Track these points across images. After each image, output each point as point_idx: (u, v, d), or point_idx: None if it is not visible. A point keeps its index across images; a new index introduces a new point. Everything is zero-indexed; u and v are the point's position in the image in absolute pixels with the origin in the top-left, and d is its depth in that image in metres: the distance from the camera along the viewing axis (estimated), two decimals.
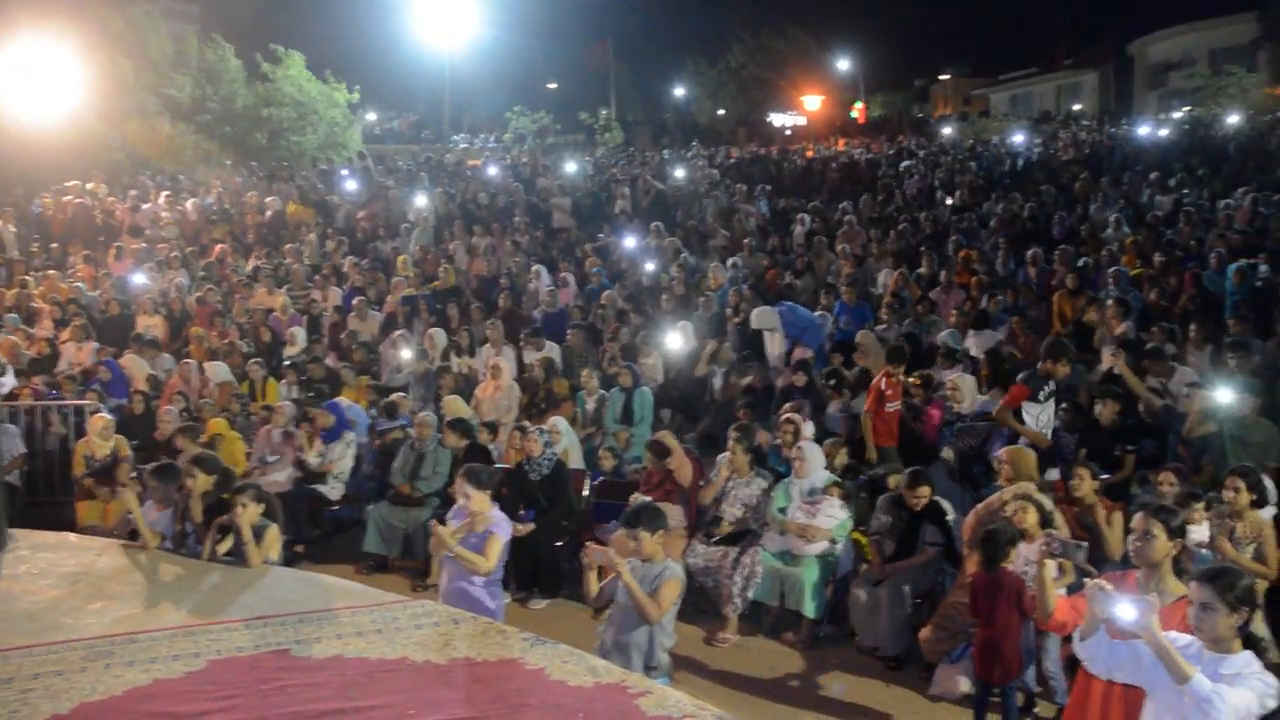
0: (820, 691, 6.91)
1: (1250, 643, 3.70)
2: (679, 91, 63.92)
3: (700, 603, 8.11)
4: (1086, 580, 3.81)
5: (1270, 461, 7.73)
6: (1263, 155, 21.30)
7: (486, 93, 51.02)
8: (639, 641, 5.29)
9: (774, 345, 11.93)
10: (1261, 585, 5.91)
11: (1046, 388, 8.28)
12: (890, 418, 9.16)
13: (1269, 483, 6.77)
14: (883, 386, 9.11)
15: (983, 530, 6.29)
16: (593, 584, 5.48)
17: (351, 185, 23.68)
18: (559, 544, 8.69)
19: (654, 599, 5.21)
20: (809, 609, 7.46)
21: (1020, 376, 8.52)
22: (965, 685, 6.65)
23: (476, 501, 6.03)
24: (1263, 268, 11.89)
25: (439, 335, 12.90)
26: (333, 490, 9.99)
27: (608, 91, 51.15)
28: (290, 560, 9.00)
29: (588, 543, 5.54)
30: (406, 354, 12.39)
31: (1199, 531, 6.02)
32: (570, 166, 26.56)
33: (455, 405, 10.50)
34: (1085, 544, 4.61)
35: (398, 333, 13.03)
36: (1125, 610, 3.52)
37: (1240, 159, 21.18)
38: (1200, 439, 8.32)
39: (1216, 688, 3.45)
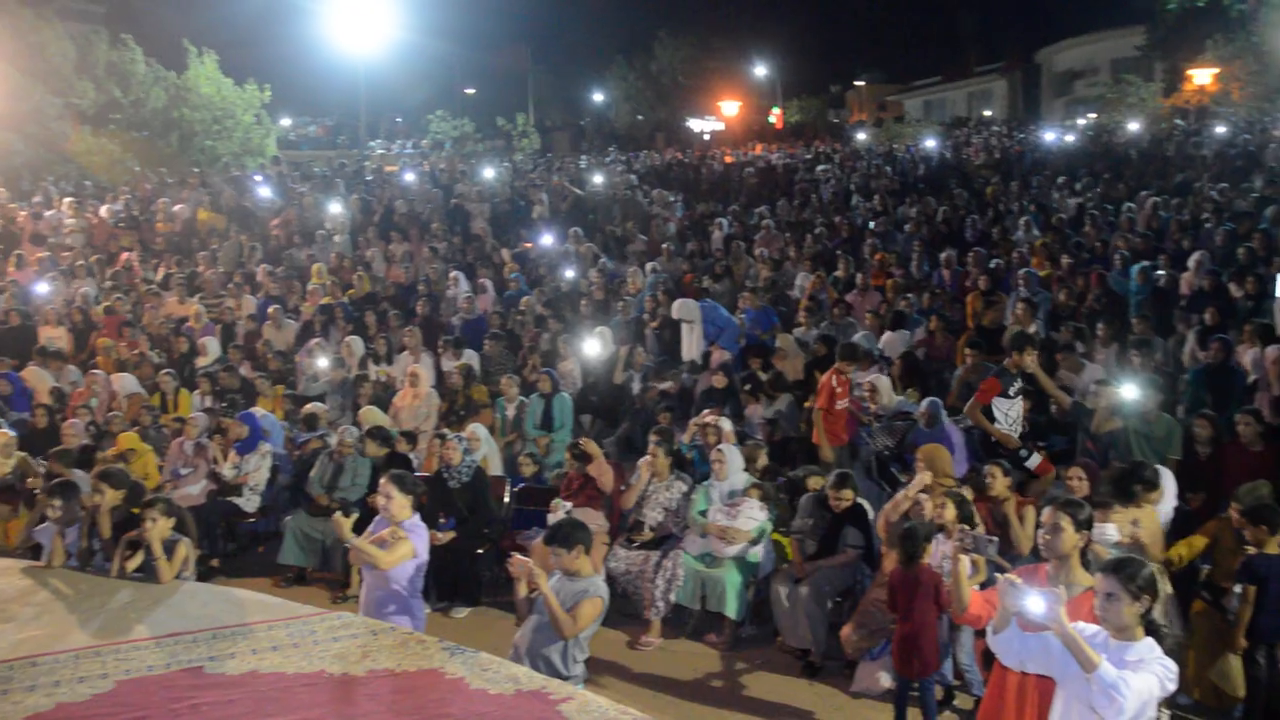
0: (744, 692, 6.95)
1: (1151, 629, 3.82)
2: (598, 97, 64.03)
3: (623, 607, 8.10)
4: (998, 575, 3.89)
5: (1172, 454, 8.01)
6: (1161, 161, 22.00)
7: (403, 98, 50.60)
8: (552, 654, 5.28)
9: (691, 341, 11.96)
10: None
11: (1016, 383, 8.33)
12: (839, 416, 9.08)
13: (1168, 476, 7.01)
14: (834, 384, 9.02)
15: (901, 527, 6.39)
16: (521, 593, 5.45)
17: (265, 192, 23.28)
18: (480, 552, 8.63)
19: (572, 615, 5.19)
20: (731, 610, 7.50)
21: (993, 370, 8.58)
22: (886, 681, 6.75)
23: (397, 505, 5.95)
24: (1160, 271, 12.28)
25: (356, 343, 12.74)
26: (248, 502, 9.79)
27: (526, 97, 51.07)
28: (205, 575, 8.79)
29: (513, 554, 5.50)
30: (323, 363, 12.21)
31: (1110, 529, 6.16)
32: (488, 173, 26.42)
33: (372, 414, 10.36)
34: (996, 539, 4.70)
35: (314, 341, 12.85)
36: (1034, 603, 3.60)
37: (1141, 164, 21.84)
38: (1107, 434, 8.57)
39: (1121, 674, 3.56)
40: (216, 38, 31.76)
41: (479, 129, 45.78)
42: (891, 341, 11.28)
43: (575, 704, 4.36)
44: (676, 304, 12.18)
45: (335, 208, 20.17)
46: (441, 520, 8.29)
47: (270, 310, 14.30)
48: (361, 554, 5.87)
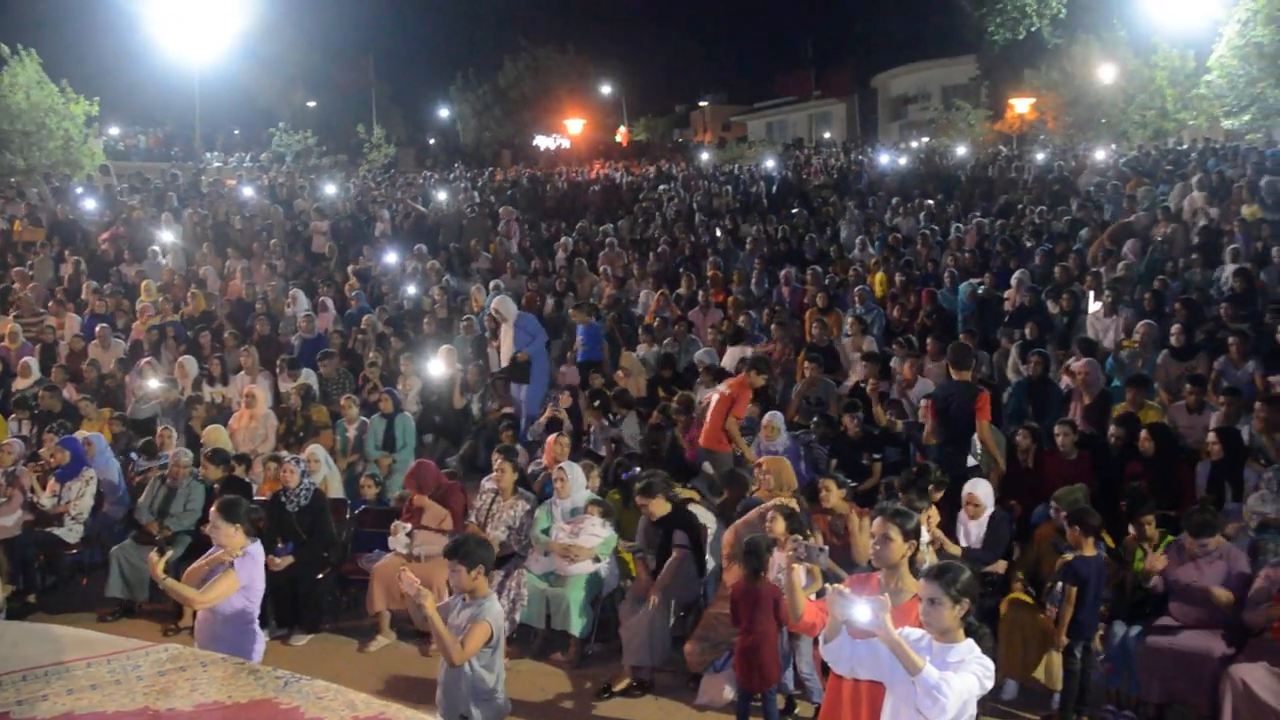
0: (591, 710, 6.96)
1: (971, 631, 4.00)
2: (444, 113, 63.41)
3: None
4: (828, 585, 4.01)
5: (999, 467, 8.38)
6: (987, 184, 23.10)
7: (242, 109, 49.02)
8: (462, 688, 5.16)
9: (506, 339, 11.92)
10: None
11: None
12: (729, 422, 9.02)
13: (984, 485, 7.38)
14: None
15: (743, 543, 6.51)
16: (417, 613, 5.29)
17: (91, 204, 22.19)
18: (320, 577, 8.42)
19: (459, 641, 5.07)
20: (576, 628, 7.51)
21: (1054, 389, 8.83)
22: (730, 693, 6.86)
23: (226, 534, 5.74)
24: (982, 287, 12.88)
25: (190, 363, 12.29)
26: (70, 532, 9.29)
27: (370, 110, 50.15)
28: (19, 612, 8.36)
29: (403, 571, 5.36)
30: (154, 383, 11.71)
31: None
32: (330, 188, 25.83)
33: (216, 435, 9.96)
34: (826, 548, 4.83)
35: (144, 361, 12.29)
36: (861, 611, 3.72)
37: (969, 187, 22.87)
38: (937, 447, 8.92)
39: (944, 675, 3.71)
40: (38, 42, 29.88)
41: (321, 142, 44.61)
42: (733, 356, 11.49)
43: None
44: (496, 299, 12.17)
45: (168, 222, 19.36)
46: (279, 545, 8.06)
47: (98, 329, 13.64)
48: (175, 594, 5.64)
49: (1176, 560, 6.60)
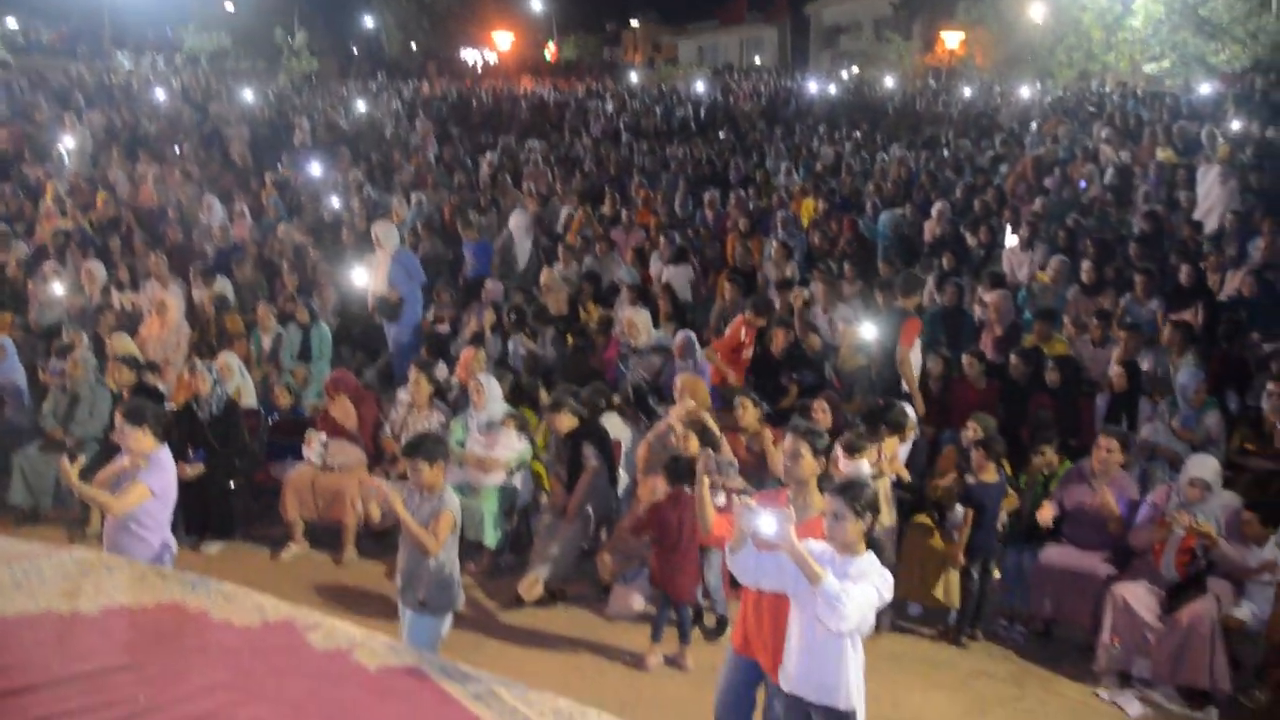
0: (500, 619, 7.05)
1: (872, 544, 4.14)
2: (368, 22, 61.54)
3: (382, 539, 8.07)
4: (735, 497, 4.09)
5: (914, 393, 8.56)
6: (914, 116, 23.27)
7: (154, 8, 46.87)
8: (424, 574, 5.29)
9: (380, 269, 11.11)
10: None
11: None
12: (743, 365, 9.17)
13: (910, 409, 7.54)
14: (741, 336, 9.09)
15: (667, 456, 6.58)
16: (375, 514, 5.53)
17: None
18: (232, 485, 8.35)
19: (431, 533, 5.19)
20: (490, 539, 7.58)
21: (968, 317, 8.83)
22: (639, 604, 7.02)
23: (134, 439, 5.65)
24: (906, 215, 13.05)
25: (97, 269, 11.89)
26: None
27: (291, 16, 48.41)
28: None
29: (364, 475, 5.41)
30: (59, 289, 11.35)
31: (863, 466, 6.55)
32: (247, 94, 25.00)
33: (122, 343, 9.70)
34: (735, 462, 4.93)
35: (48, 265, 11.90)
36: (766, 523, 3.82)
37: (896, 119, 23.01)
38: (851, 371, 9.09)
39: (844, 586, 3.83)
40: None
41: (237, 47, 43.02)
42: (672, 275, 11.49)
43: (322, 631, 4.29)
44: (378, 225, 11.47)
45: (74, 123, 18.61)
46: (191, 453, 7.95)
47: None
48: (90, 500, 5.61)
49: (1073, 483, 6.87)
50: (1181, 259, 10.44)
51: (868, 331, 8.73)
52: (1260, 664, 6.20)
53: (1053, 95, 26.09)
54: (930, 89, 30.05)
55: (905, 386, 8.37)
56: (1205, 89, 22.36)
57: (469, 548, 7.72)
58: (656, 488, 6.64)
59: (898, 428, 7.21)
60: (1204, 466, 6.42)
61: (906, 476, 7.18)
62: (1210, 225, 12.47)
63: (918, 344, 8.53)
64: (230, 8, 51.78)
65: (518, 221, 13.00)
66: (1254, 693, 6.08)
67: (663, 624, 6.44)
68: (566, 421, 7.44)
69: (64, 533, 8.28)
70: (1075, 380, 8.39)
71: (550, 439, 7.74)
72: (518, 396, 8.54)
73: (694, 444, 6.44)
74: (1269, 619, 6.12)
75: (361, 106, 23.26)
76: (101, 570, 4.95)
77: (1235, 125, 16.34)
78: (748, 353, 9.21)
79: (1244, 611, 6.16)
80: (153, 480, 5.57)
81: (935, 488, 7.12)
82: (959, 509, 6.77)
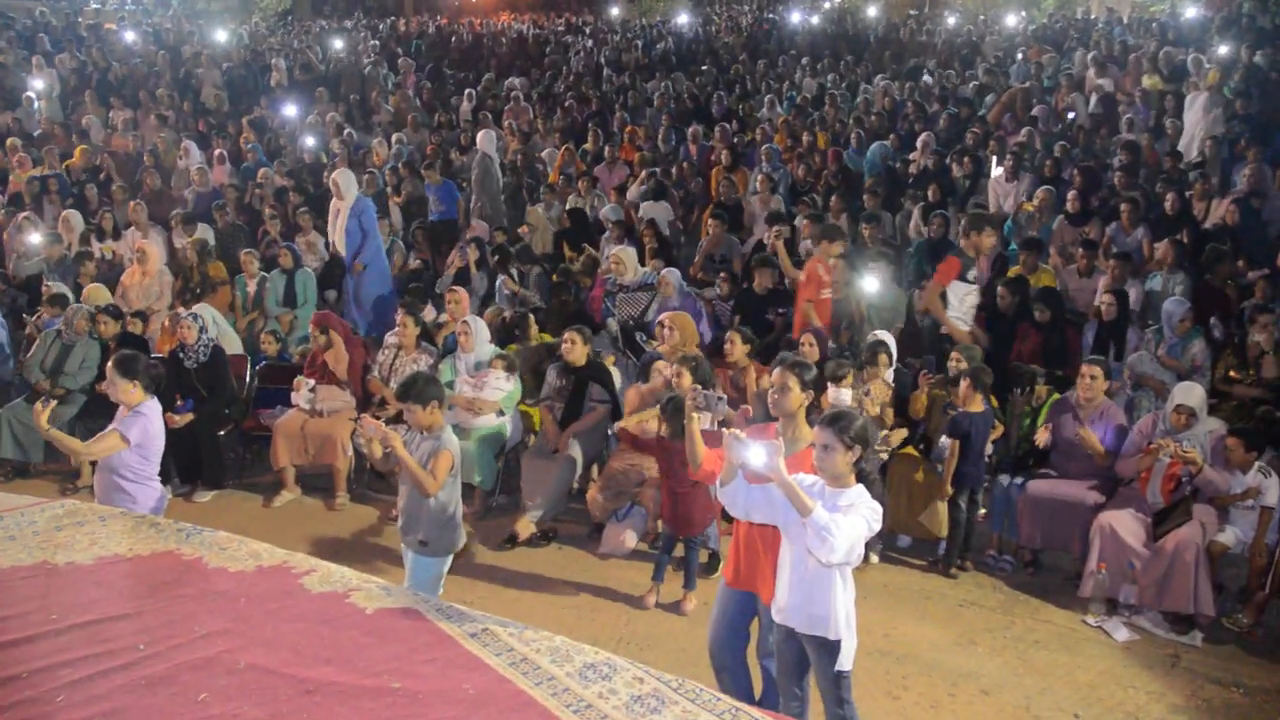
0: (492, 561, 7.10)
1: (862, 477, 4.16)
2: None
3: (372, 482, 8.10)
4: (724, 430, 4.09)
5: (899, 323, 8.57)
6: (897, 46, 22.97)
7: None
8: (424, 515, 5.29)
9: (340, 220, 10.50)
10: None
11: (974, 270, 7.93)
12: (825, 305, 8.36)
13: (890, 341, 7.54)
14: (820, 273, 8.31)
15: (663, 395, 6.57)
16: (377, 454, 5.42)
17: None
18: (222, 434, 8.36)
19: (430, 472, 5.18)
20: (480, 480, 7.61)
21: (954, 249, 8.23)
22: (632, 541, 7.07)
23: (123, 390, 5.63)
24: (889, 148, 12.96)
25: (75, 218, 11.78)
26: None
27: None
28: None
29: (363, 416, 5.38)
30: (36, 238, 11.22)
31: (845, 394, 6.57)
32: (220, 35, 24.49)
33: (97, 293, 9.62)
34: (725, 396, 4.92)
35: (23, 215, 11.75)
36: (755, 455, 3.82)
37: (879, 49, 22.72)
38: (839, 303, 9.07)
39: (833, 518, 3.86)
40: None
41: None
42: (652, 211, 11.42)
43: (318, 575, 4.33)
44: (337, 172, 10.92)
45: (41, 67, 18.24)
46: (178, 402, 7.93)
47: None
48: (59, 444, 5.64)
49: (1060, 414, 6.93)
50: (1167, 187, 10.43)
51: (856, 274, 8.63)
52: (1243, 588, 6.33)
53: (1037, 23, 25.78)
54: (913, 18, 29.63)
55: (944, 328, 8.12)
56: (1191, 13, 22.11)
57: (461, 489, 7.76)
58: (648, 428, 6.68)
59: (874, 359, 7.22)
60: (1189, 394, 6.48)
61: (890, 420, 7.20)
62: (1193, 153, 12.43)
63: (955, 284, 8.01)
64: None
65: (484, 138, 12.83)
66: (1237, 616, 6.19)
67: (664, 564, 6.47)
68: (580, 351, 7.46)
69: (56, 486, 8.28)
70: (1060, 311, 8.40)
71: (551, 372, 7.73)
72: (505, 336, 8.52)
73: (686, 380, 6.44)
74: (1251, 544, 6.24)
75: (338, 44, 22.85)
76: (94, 521, 4.98)
77: (1222, 50, 16.18)
78: (826, 292, 8.36)
79: (1228, 536, 6.26)
80: (131, 430, 5.55)
81: (916, 399, 7.20)
82: (945, 440, 6.82)
